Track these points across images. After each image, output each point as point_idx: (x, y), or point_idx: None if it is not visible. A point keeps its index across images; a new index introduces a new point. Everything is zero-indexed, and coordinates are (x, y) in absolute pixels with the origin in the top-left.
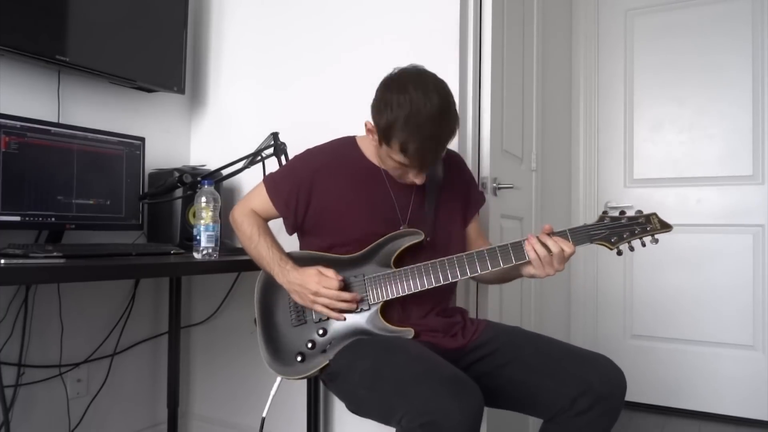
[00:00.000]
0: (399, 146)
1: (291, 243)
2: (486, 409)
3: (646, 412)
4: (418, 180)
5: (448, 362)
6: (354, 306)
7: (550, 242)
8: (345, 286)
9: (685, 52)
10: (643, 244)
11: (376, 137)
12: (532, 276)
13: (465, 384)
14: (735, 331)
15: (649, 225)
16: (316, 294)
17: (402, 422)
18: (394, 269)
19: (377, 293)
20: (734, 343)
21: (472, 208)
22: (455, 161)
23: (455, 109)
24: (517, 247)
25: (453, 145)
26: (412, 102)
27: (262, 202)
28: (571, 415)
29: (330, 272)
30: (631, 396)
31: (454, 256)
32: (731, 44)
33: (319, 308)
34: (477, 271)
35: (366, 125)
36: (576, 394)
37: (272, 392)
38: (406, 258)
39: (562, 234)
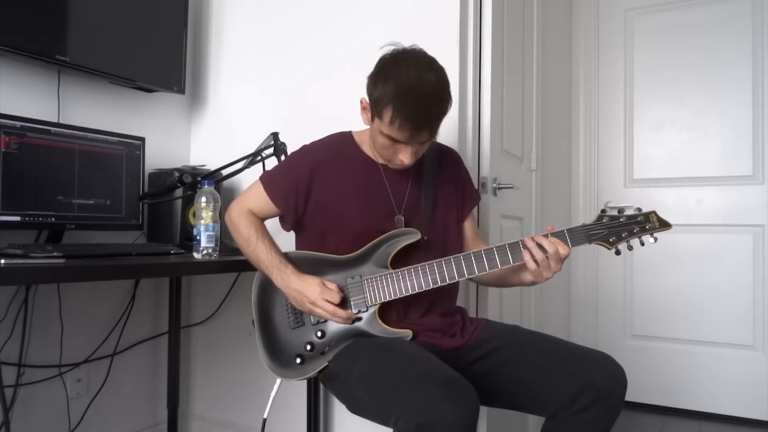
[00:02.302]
0: (390, 115)
1: (289, 243)
2: (486, 409)
3: (646, 412)
4: (407, 159)
5: (445, 363)
6: (349, 323)
7: (545, 243)
8: (343, 300)
9: (685, 52)
10: (642, 243)
11: (369, 114)
12: (531, 283)
13: (460, 385)
14: (735, 331)
15: (648, 224)
16: (313, 304)
17: (398, 423)
18: (392, 270)
19: (375, 295)
20: (734, 343)
21: (466, 206)
22: (452, 157)
23: (449, 90)
24: (515, 248)
25: (453, 144)
26: (408, 73)
27: (259, 200)
28: (572, 412)
29: (333, 285)
30: (631, 396)
31: (452, 257)
32: (731, 44)
33: (316, 313)
34: (474, 273)
35: (361, 102)
36: (576, 392)
37: (273, 393)
38: (402, 256)
39: (560, 234)
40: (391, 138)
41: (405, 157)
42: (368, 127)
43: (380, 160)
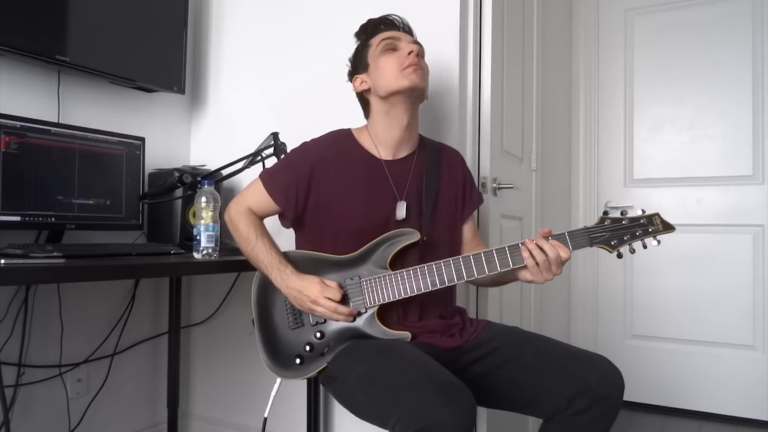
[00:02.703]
0: (372, 30)
1: (289, 242)
2: (485, 410)
3: (646, 412)
4: (413, 46)
5: (443, 367)
6: (350, 319)
7: (546, 246)
8: (343, 298)
9: (685, 52)
10: (645, 246)
11: (363, 75)
12: (529, 281)
13: (458, 390)
14: (735, 331)
15: (651, 226)
16: (314, 303)
17: (395, 428)
18: (390, 271)
19: (373, 296)
20: (734, 343)
21: (468, 207)
22: (455, 158)
23: None
24: (515, 251)
25: (453, 144)
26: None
27: (259, 198)
28: (569, 414)
29: (333, 283)
30: (631, 396)
31: (451, 259)
32: (731, 43)
33: (317, 313)
34: (474, 275)
35: (354, 82)
36: (573, 394)
37: (273, 393)
38: (401, 256)
39: (560, 237)
40: (383, 45)
41: (407, 46)
42: (365, 124)
43: (382, 155)
